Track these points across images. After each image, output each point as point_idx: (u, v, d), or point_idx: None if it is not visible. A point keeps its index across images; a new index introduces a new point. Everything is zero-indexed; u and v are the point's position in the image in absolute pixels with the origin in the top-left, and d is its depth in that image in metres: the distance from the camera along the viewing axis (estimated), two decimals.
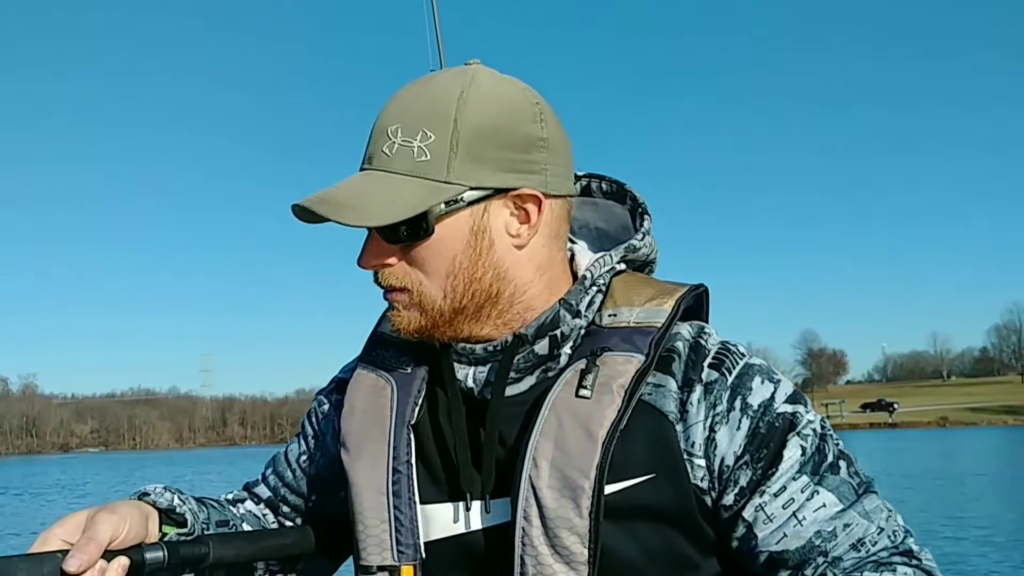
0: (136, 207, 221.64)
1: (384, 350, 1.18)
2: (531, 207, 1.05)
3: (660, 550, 1.02)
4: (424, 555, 1.06)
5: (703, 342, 1.08)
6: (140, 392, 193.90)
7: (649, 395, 1.03)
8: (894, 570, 0.97)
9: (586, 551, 0.98)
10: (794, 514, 1.00)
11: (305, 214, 1.03)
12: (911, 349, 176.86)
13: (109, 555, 0.95)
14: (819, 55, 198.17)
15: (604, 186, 1.22)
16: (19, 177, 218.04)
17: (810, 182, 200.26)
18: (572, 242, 1.18)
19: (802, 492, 1.01)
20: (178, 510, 1.08)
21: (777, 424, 1.03)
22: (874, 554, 0.99)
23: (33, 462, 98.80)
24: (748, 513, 1.02)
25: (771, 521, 1.01)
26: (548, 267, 1.09)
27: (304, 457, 1.27)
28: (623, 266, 1.15)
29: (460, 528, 1.06)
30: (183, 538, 1.06)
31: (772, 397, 1.04)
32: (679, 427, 1.03)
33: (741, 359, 1.07)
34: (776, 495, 1.01)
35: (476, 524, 1.06)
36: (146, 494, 1.07)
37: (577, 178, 1.20)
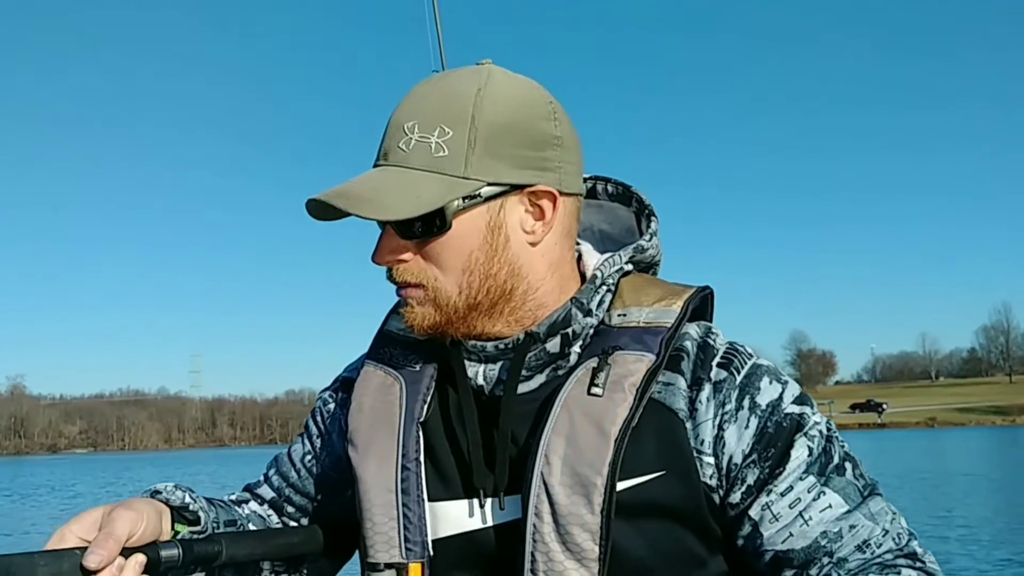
0: (125, 207, 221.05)
1: (392, 348, 1.18)
2: (546, 204, 1.06)
3: (669, 547, 1.02)
4: (432, 552, 1.06)
5: (712, 342, 1.09)
6: (129, 393, 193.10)
7: (659, 393, 1.04)
8: (898, 572, 0.98)
9: (597, 548, 0.98)
10: (800, 514, 1.01)
11: (319, 210, 1.03)
12: (900, 350, 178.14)
13: (126, 552, 0.95)
14: (812, 56, 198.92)
15: (610, 188, 1.23)
16: (5, 178, 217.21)
17: (800, 183, 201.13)
18: (576, 243, 1.18)
19: (808, 492, 1.02)
20: (191, 508, 1.08)
21: (785, 424, 1.04)
22: (879, 556, 1.00)
23: (21, 463, 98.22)
24: (755, 512, 1.02)
25: (777, 520, 1.02)
26: (560, 265, 1.10)
27: (309, 456, 1.27)
28: (630, 267, 1.16)
29: (469, 525, 1.07)
30: (196, 536, 1.06)
31: (780, 397, 1.05)
32: (688, 425, 1.03)
33: (749, 359, 1.08)
34: (783, 494, 1.02)
35: (485, 521, 1.06)
36: (158, 492, 1.07)
37: (583, 180, 1.20)
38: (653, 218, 1.19)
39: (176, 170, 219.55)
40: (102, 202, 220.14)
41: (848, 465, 1.05)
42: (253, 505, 1.28)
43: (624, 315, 1.09)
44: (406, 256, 1.05)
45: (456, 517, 1.07)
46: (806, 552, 1.01)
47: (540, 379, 1.08)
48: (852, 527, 1.01)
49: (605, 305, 1.11)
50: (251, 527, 1.20)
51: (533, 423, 1.05)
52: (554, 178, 1.06)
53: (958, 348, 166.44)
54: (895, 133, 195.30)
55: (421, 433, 1.09)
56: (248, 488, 1.32)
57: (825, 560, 1.00)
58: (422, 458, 1.08)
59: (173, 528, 1.05)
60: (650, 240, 1.17)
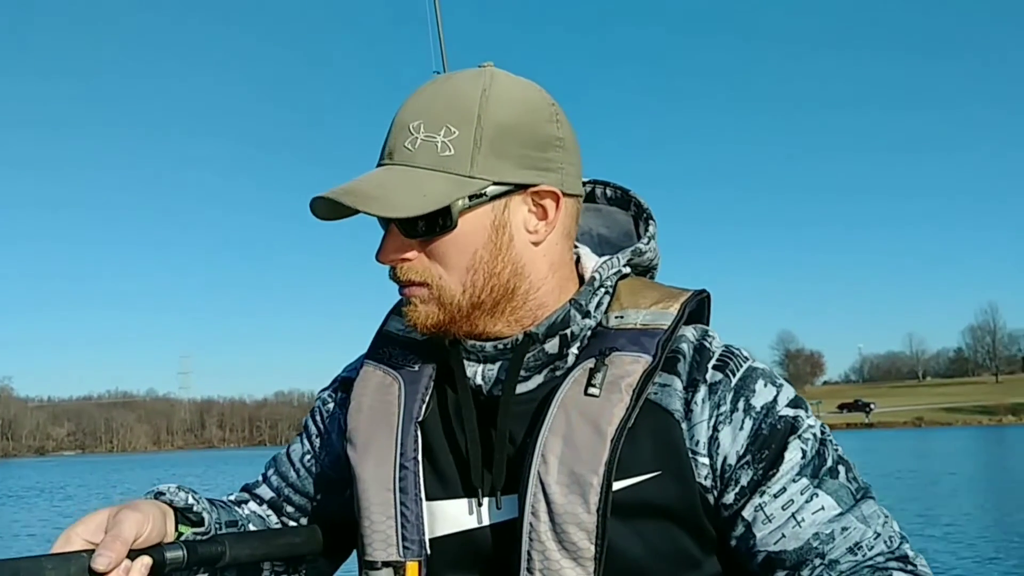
0: (112, 209, 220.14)
1: (391, 348, 1.19)
2: (549, 204, 1.07)
3: (664, 547, 1.03)
4: (429, 551, 1.07)
5: (707, 344, 1.10)
6: (117, 394, 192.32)
7: (655, 394, 1.05)
8: (890, 575, 0.99)
9: (593, 547, 0.99)
10: (793, 515, 1.02)
11: (325, 209, 1.04)
12: (887, 350, 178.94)
13: (132, 554, 0.95)
14: (806, 57, 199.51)
15: (609, 192, 1.25)
16: None
17: (787, 184, 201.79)
18: (574, 246, 1.19)
19: (801, 494, 1.02)
20: (195, 509, 1.08)
21: (779, 426, 1.04)
22: (870, 558, 1.01)
23: (8, 465, 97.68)
24: (748, 512, 1.03)
25: (770, 521, 1.02)
26: (560, 265, 1.11)
27: (309, 456, 1.28)
28: (628, 269, 1.17)
29: (466, 524, 1.07)
30: (199, 537, 1.07)
31: (775, 400, 1.06)
32: (684, 425, 1.04)
33: (745, 362, 1.09)
34: (776, 496, 1.02)
35: (483, 520, 1.07)
36: (161, 493, 1.08)
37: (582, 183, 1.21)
38: (651, 221, 1.21)
39: (164, 171, 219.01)
40: (89, 204, 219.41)
41: (841, 468, 1.05)
42: (252, 505, 1.28)
43: (621, 317, 1.10)
44: (410, 255, 1.06)
45: (453, 516, 1.08)
46: (798, 553, 1.01)
47: (538, 379, 1.09)
48: (844, 529, 1.01)
49: (603, 307, 1.12)
50: (251, 527, 1.20)
51: (531, 423, 1.06)
52: (557, 178, 1.07)
53: (945, 348, 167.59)
54: (884, 134, 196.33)
55: (419, 432, 1.10)
56: (246, 488, 1.33)
57: (817, 562, 1.01)
58: (420, 457, 1.09)
59: (177, 529, 1.06)
60: (648, 243, 1.19)
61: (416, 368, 1.15)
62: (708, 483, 1.04)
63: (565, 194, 1.08)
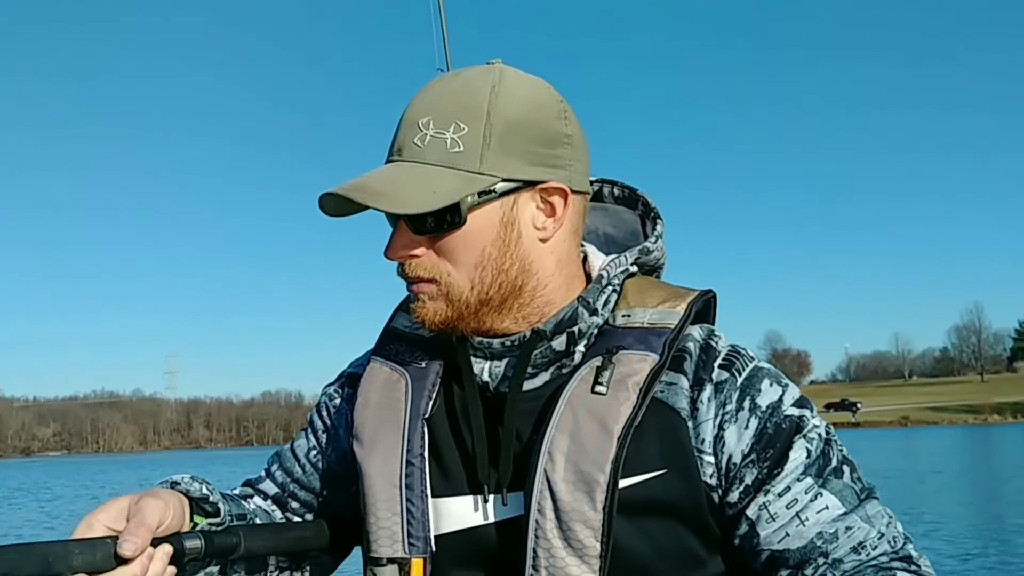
0: (99, 207, 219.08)
1: (398, 344, 1.19)
2: (557, 200, 1.07)
3: (669, 545, 1.04)
4: (434, 548, 1.07)
5: (714, 344, 1.10)
6: (103, 394, 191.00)
7: (662, 393, 1.05)
8: (893, 575, 0.99)
9: (599, 545, 0.99)
10: (797, 514, 1.02)
11: (333, 205, 1.04)
12: (873, 349, 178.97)
13: (154, 541, 0.95)
14: (798, 57, 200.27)
15: (616, 191, 1.25)
16: None
17: (773, 183, 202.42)
18: (581, 245, 1.19)
19: (806, 493, 1.03)
20: (211, 499, 1.09)
21: (784, 426, 1.05)
22: (874, 558, 1.01)
23: None
24: (752, 511, 1.03)
25: (774, 520, 1.03)
26: (567, 263, 1.11)
27: (315, 451, 1.27)
28: (635, 268, 1.18)
29: (472, 521, 1.08)
30: (214, 528, 1.07)
31: (780, 400, 1.07)
32: (690, 424, 1.05)
33: (751, 362, 1.10)
34: (780, 495, 1.03)
35: (488, 517, 1.07)
36: (176, 483, 1.08)
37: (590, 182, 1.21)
38: (659, 220, 1.21)
39: (152, 171, 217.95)
40: (74, 204, 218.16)
41: (846, 468, 1.06)
42: (258, 500, 1.28)
43: (628, 316, 1.11)
44: (419, 251, 1.06)
45: (459, 513, 1.08)
46: (802, 552, 1.01)
47: (545, 377, 1.09)
48: (848, 529, 1.01)
49: (610, 305, 1.12)
50: (258, 522, 1.20)
51: (537, 420, 1.06)
52: (565, 175, 1.07)
53: (931, 348, 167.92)
54: (872, 134, 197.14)
55: (426, 429, 1.10)
56: (249, 483, 1.33)
57: (820, 561, 1.01)
58: (426, 454, 1.09)
59: (192, 520, 1.06)
60: (656, 243, 1.19)
61: (423, 365, 1.15)
62: (713, 481, 1.04)
63: (573, 191, 1.08)
